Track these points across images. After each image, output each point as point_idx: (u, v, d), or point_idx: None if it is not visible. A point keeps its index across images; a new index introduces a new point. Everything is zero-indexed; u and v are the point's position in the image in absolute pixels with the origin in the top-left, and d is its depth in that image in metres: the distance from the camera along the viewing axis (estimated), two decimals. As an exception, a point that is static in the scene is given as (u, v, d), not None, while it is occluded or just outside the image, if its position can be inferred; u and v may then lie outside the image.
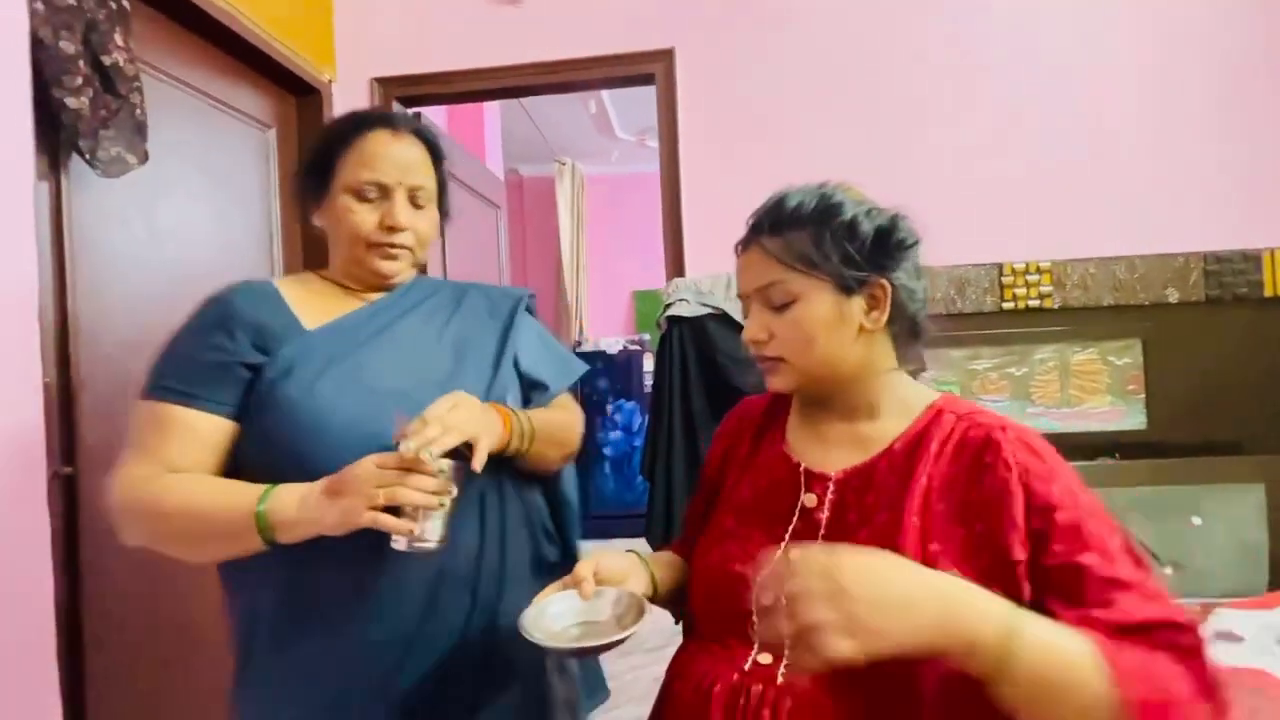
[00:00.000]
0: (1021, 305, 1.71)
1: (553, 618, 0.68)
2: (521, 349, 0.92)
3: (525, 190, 4.83)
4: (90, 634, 1.16)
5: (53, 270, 1.19)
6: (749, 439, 0.77)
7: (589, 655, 0.67)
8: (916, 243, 0.70)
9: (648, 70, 1.88)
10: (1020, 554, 0.56)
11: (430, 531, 0.68)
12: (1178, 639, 0.52)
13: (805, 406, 0.75)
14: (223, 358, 0.77)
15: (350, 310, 0.85)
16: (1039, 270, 1.70)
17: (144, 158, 1.28)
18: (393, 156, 0.84)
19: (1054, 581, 0.55)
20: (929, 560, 0.57)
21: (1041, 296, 1.70)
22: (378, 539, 0.68)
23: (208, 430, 0.76)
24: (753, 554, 0.64)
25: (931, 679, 0.55)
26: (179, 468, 0.75)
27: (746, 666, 0.63)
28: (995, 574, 0.56)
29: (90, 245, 1.27)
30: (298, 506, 0.69)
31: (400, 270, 0.87)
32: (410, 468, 0.68)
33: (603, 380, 4.21)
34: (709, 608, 0.70)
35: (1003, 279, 1.72)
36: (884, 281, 0.67)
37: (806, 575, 0.49)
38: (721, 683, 0.63)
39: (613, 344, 4.33)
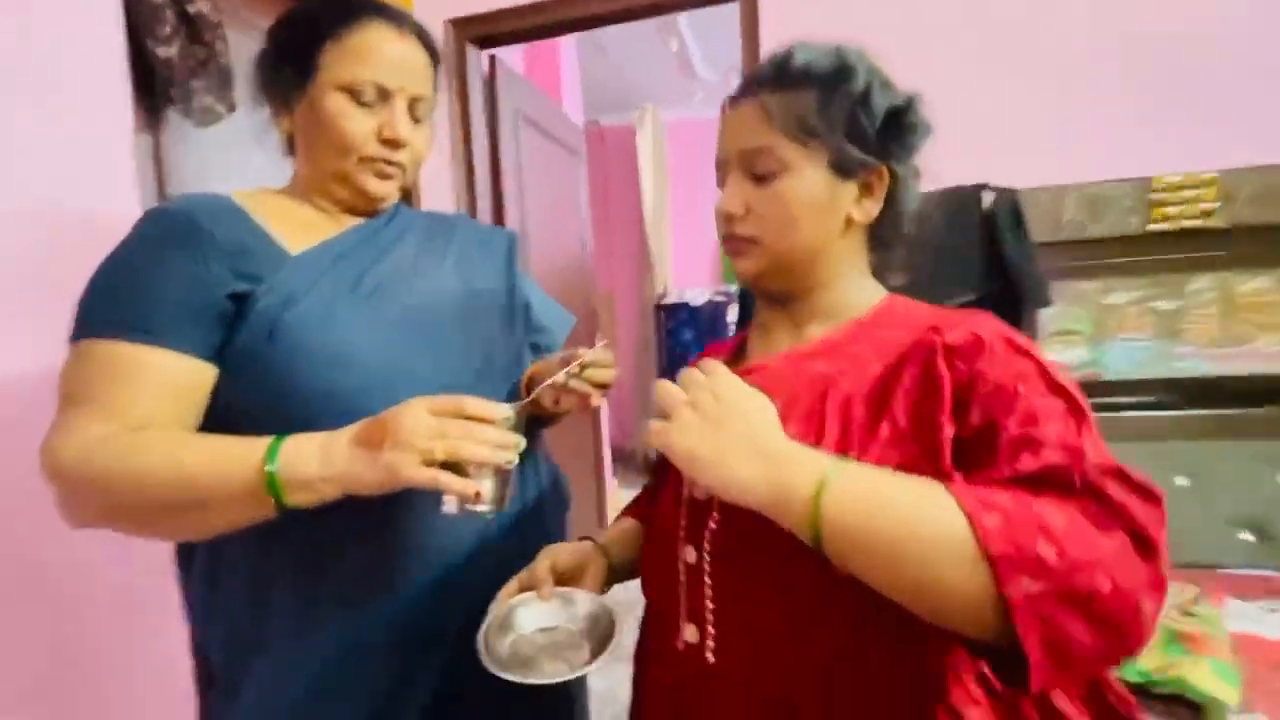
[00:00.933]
0: (1175, 226, 1.45)
1: (515, 627, 0.64)
2: (529, 292, 0.88)
3: (607, 141, 4.74)
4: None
5: (159, 218, 1.25)
6: None
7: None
8: (929, 133, 0.61)
9: (729, -15, 1.72)
10: (949, 430, 0.49)
11: (487, 491, 0.58)
12: (1089, 487, 0.43)
13: (762, 318, 0.67)
14: (195, 285, 0.63)
15: (335, 233, 0.74)
16: (1201, 183, 1.43)
17: (232, 106, 1.32)
18: (396, 56, 0.71)
19: (967, 449, 0.48)
20: (844, 426, 0.54)
21: (1203, 214, 1.43)
22: (409, 496, 0.61)
23: (180, 376, 0.62)
24: (675, 513, 0.61)
25: (847, 608, 0.50)
26: (147, 424, 0.60)
27: (680, 646, 0.59)
28: (925, 459, 0.49)
29: (195, 193, 1.34)
30: (320, 460, 0.57)
31: (390, 194, 0.76)
32: (473, 415, 0.58)
33: (687, 332, 4.13)
34: (646, 575, 0.67)
35: (1151, 195, 1.46)
36: (884, 168, 0.59)
37: (687, 381, 0.50)
38: (665, 665, 0.62)
39: (697, 295, 4.23)
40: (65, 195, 1.03)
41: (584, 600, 0.65)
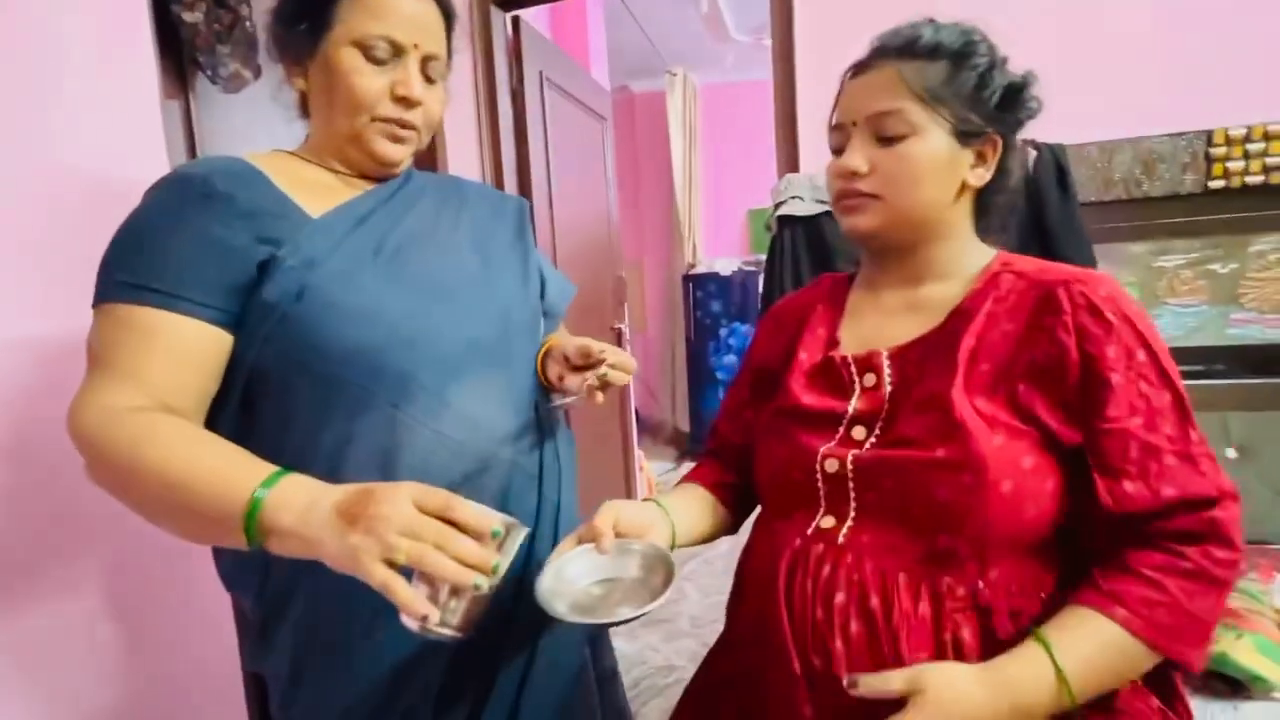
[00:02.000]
0: (1236, 183, 1.35)
1: (571, 579, 0.63)
2: (541, 261, 0.88)
3: (636, 107, 4.66)
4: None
5: (190, 185, 1.28)
6: (806, 330, 0.75)
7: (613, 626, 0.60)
8: (1041, 108, 0.68)
9: (759, -66, 1.65)
10: (1054, 412, 0.59)
11: (452, 613, 0.51)
12: (1217, 520, 0.55)
13: (870, 273, 0.74)
14: (217, 250, 0.63)
15: (350, 197, 0.73)
16: (1266, 136, 1.33)
17: (258, 72, 1.33)
18: (410, 12, 0.71)
19: (1100, 446, 0.57)
20: (981, 414, 0.59)
21: (1267, 170, 1.33)
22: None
23: (198, 342, 0.63)
24: (820, 432, 0.67)
25: (986, 526, 0.58)
26: (166, 391, 0.61)
27: (809, 530, 0.65)
28: (1032, 432, 0.59)
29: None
30: (299, 516, 0.53)
31: (403, 159, 0.76)
32: (458, 521, 0.52)
33: (715, 303, 4.08)
34: (774, 485, 0.71)
35: (1211, 150, 1.36)
36: (997, 138, 0.66)
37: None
38: (787, 549, 0.65)
39: (726, 265, 4.16)
40: (94, 162, 1.05)
41: (640, 548, 0.65)
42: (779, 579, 0.64)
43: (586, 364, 0.76)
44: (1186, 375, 1.41)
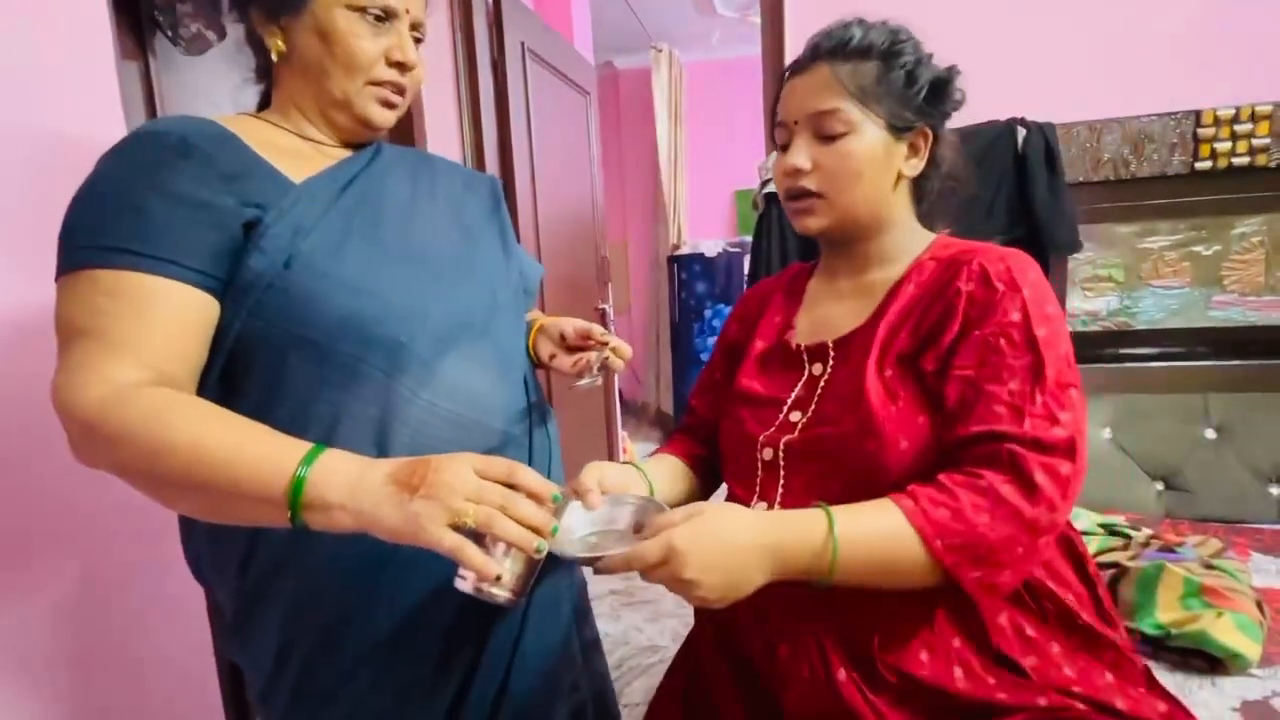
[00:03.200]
0: (1223, 164, 1.35)
1: (569, 529, 0.62)
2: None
3: (620, 84, 4.57)
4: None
5: (151, 153, 1.21)
6: (765, 316, 0.80)
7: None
8: (963, 102, 0.72)
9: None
10: (931, 365, 0.63)
11: (509, 576, 0.52)
12: (1014, 453, 0.57)
13: (827, 261, 0.78)
14: (202, 211, 0.59)
15: (324, 165, 0.70)
16: (1254, 117, 1.33)
17: (223, 34, 1.26)
18: None
19: (944, 390, 0.62)
20: (886, 383, 0.65)
21: (1253, 152, 1.33)
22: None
23: (192, 309, 0.59)
24: (763, 417, 0.72)
25: (896, 467, 0.62)
26: (165, 361, 0.57)
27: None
28: (922, 388, 0.64)
29: (184, 129, 1.29)
30: (348, 490, 0.51)
31: (391, 122, 0.74)
32: (522, 486, 0.53)
33: (700, 284, 4.06)
34: (727, 467, 0.78)
35: (1200, 130, 1.36)
36: (927, 130, 0.70)
37: (655, 571, 0.53)
38: None
39: (711, 247, 4.13)
40: (45, 126, 0.99)
41: (632, 499, 0.66)
42: None
43: (582, 345, 0.78)
44: (1166, 357, 1.44)
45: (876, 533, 0.57)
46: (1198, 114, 1.36)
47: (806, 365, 0.73)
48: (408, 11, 0.71)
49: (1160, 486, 1.38)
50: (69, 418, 0.56)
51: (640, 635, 2.03)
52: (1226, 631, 0.86)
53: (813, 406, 0.70)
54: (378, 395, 0.64)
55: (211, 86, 1.35)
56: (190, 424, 0.54)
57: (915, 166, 0.70)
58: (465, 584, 0.52)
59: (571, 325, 0.80)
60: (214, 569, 0.71)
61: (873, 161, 0.68)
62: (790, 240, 1.57)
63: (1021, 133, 1.42)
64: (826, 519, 0.57)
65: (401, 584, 0.67)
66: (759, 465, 0.71)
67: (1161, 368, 1.42)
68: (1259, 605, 0.92)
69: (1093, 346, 1.48)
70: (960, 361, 0.61)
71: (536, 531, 0.52)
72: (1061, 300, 1.45)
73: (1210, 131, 1.35)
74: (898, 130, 0.68)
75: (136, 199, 0.58)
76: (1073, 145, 1.43)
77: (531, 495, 0.53)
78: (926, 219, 0.75)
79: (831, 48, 0.69)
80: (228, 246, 0.61)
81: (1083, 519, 1.20)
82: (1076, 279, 1.49)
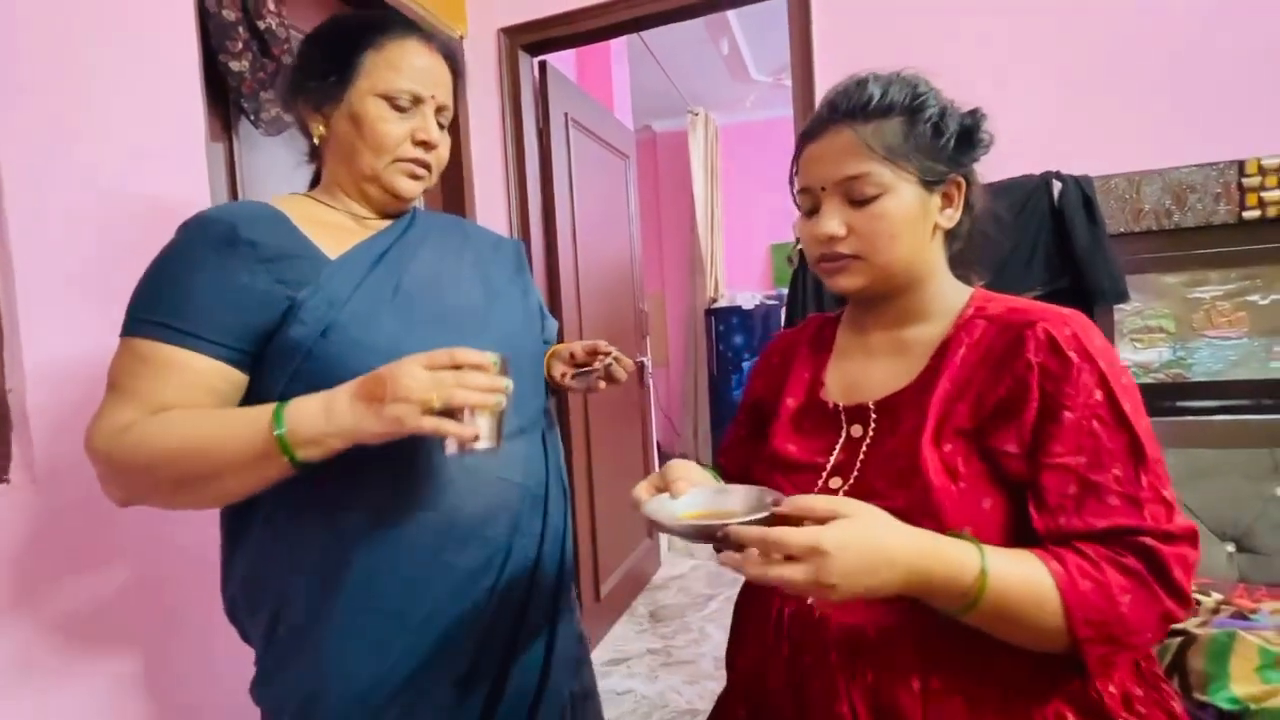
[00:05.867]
0: (1272, 213, 1.32)
1: (676, 509, 0.61)
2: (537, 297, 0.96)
3: (659, 145, 4.76)
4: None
5: (230, 222, 1.33)
6: (793, 371, 0.77)
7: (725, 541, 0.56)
8: (993, 142, 0.69)
9: (778, -21, 1.70)
10: (1012, 447, 0.59)
11: (484, 430, 0.64)
12: (1151, 548, 0.54)
13: (856, 316, 0.75)
14: (238, 293, 0.68)
15: (364, 237, 0.78)
16: (1301, 166, 1.30)
17: (297, 116, 1.39)
18: (427, 68, 0.79)
19: (1040, 481, 0.58)
20: (946, 461, 0.60)
21: (1305, 200, 1.30)
22: (471, 466, 0.70)
23: (209, 376, 0.67)
24: (800, 483, 0.68)
25: None
26: (163, 408, 0.65)
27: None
28: (990, 468, 0.60)
29: (262, 199, 1.41)
30: (324, 418, 0.62)
31: (418, 193, 0.83)
32: (464, 363, 0.63)
33: (738, 336, 4.08)
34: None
35: (1244, 180, 1.34)
36: (960, 179, 0.67)
37: (789, 565, 0.50)
38: (766, 605, 0.67)
39: (748, 299, 4.17)
40: (145, 189, 1.11)
41: (739, 488, 0.63)
42: (765, 640, 0.66)
43: (588, 361, 0.89)
44: (1231, 410, 1.37)
45: (1021, 587, 0.54)
46: (1241, 164, 1.34)
47: (845, 427, 0.69)
48: (433, 97, 0.80)
49: (1231, 548, 1.29)
50: (91, 456, 0.66)
51: (679, 698, 1.96)
52: (1310, 707, 0.79)
53: (854, 474, 0.66)
54: (406, 449, 0.70)
55: (287, 163, 1.48)
56: (176, 431, 0.64)
57: (951, 217, 0.68)
58: (452, 447, 0.63)
59: (579, 345, 0.90)
60: (247, 613, 0.77)
61: (909, 220, 0.65)
62: (826, 296, 1.59)
63: (1057, 186, 1.42)
64: (979, 557, 0.54)
65: (421, 636, 0.72)
66: None
67: (1223, 421, 1.36)
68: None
69: (1146, 399, 1.42)
70: (1057, 448, 0.57)
71: (492, 389, 0.63)
72: (1109, 352, 1.41)
73: (1256, 181, 1.33)
74: (930, 184, 0.66)
75: (180, 280, 0.68)
76: (1111, 197, 1.43)
77: (475, 366, 0.63)
78: (958, 267, 0.72)
79: (851, 108, 0.66)
80: (261, 324, 0.69)
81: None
82: (1125, 330, 1.46)
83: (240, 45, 1.27)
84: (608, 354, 0.88)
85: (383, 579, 0.71)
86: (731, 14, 3.18)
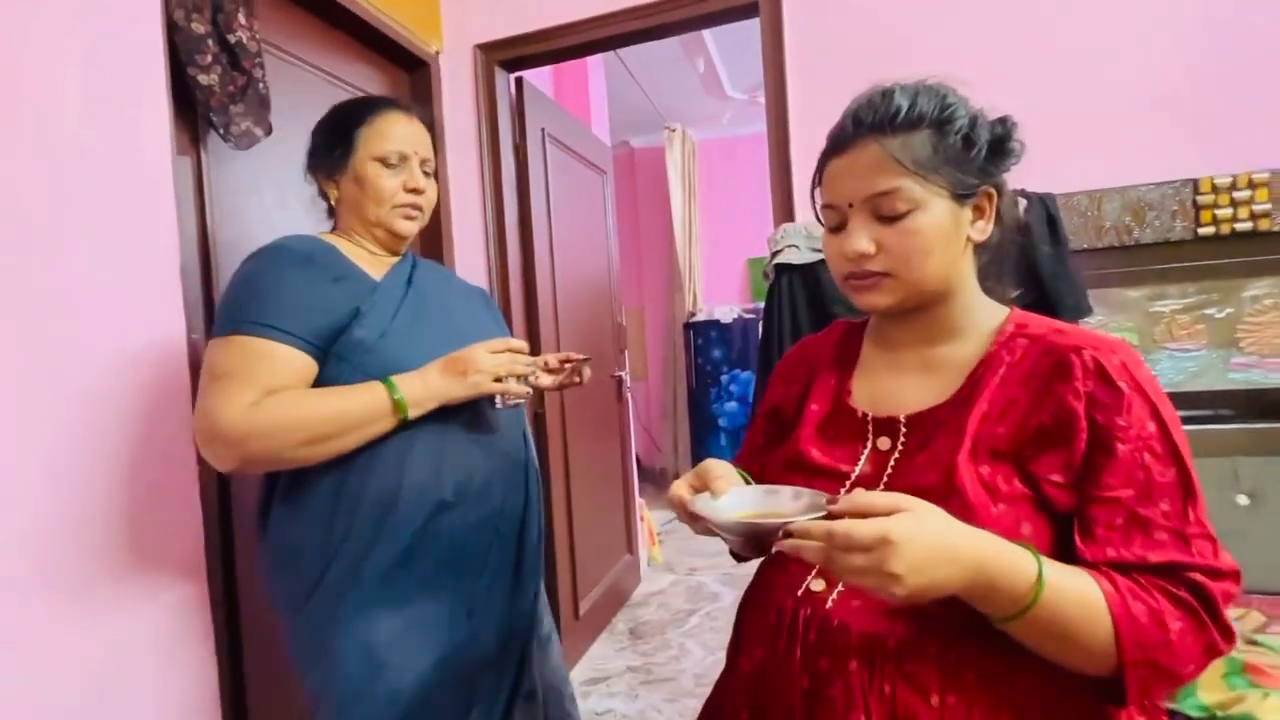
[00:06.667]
0: (1225, 230, 1.37)
1: (723, 508, 0.60)
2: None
3: (636, 161, 4.80)
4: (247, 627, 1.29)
5: (197, 236, 1.30)
6: (818, 378, 0.76)
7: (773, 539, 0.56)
8: (1024, 150, 0.67)
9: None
10: (1058, 476, 0.58)
11: (523, 391, 0.97)
12: (1200, 585, 0.54)
13: (883, 330, 0.73)
14: (316, 302, 0.90)
15: (383, 269, 1.01)
16: (1252, 184, 1.35)
17: (269, 130, 1.37)
18: (408, 132, 1.02)
19: (1088, 512, 0.57)
20: (985, 482, 0.58)
21: (1255, 217, 1.35)
22: (483, 434, 0.98)
23: (298, 364, 0.88)
24: (822, 489, 0.64)
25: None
26: (272, 390, 0.85)
27: (800, 592, 0.64)
28: (1033, 495, 0.58)
29: (229, 213, 1.39)
30: (423, 387, 0.90)
31: (413, 232, 1.04)
32: (514, 349, 0.95)
33: (717, 350, 4.10)
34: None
35: (1198, 198, 1.39)
36: (992, 190, 0.65)
37: (850, 551, 0.49)
38: (777, 608, 0.65)
39: (727, 313, 4.20)
40: (107, 213, 1.08)
41: (785, 488, 0.62)
42: (776, 642, 0.64)
43: (559, 368, 1.10)
44: (1191, 420, 1.41)
45: (1075, 600, 0.53)
46: (1195, 182, 1.39)
47: (871, 437, 0.67)
48: (416, 153, 1.02)
49: (1196, 556, 1.32)
50: (221, 432, 0.84)
51: (659, 716, 1.94)
52: (1274, 713, 0.81)
53: (881, 487, 0.64)
54: (437, 427, 0.93)
55: (255, 177, 1.46)
56: (307, 400, 0.87)
57: (984, 229, 0.65)
58: (500, 403, 0.98)
59: (552, 355, 1.12)
60: (283, 599, 0.94)
61: (941, 235, 0.62)
62: (801, 310, 1.60)
63: (1023, 203, 1.46)
64: (1036, 564, 0.53)
65: (423, 642, 0.91)
66: None
67: (1185, 431, 1.40)
68: (1308, 685, 0.87)
69: (1112, 410, 1.45)
70: (1109, 480, 0.56)
71: (530, 365, 0.98)
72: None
73: (1209, 199, 1.38)
74: (962, 197, 0.63)
75: (274, 291, 0.89)
76: (1074, 214, 1.47)
77: (519, 350, 0.97)
78: (986, 279, 0.70)
79: (878, 121, 0.63)
80: (332, 325, 0.91)
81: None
82: (1090, 342, 1.49)
83: (210, 58, 1.26)
84: (578, 359, 1.11)
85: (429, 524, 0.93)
86: (707, 33, 3.23)
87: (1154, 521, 0.55)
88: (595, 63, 3.08)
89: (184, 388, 1.17)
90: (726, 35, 2.96)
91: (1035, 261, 1.40)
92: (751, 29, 1.80)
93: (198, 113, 1.29)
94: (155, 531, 1.11)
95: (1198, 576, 0.54)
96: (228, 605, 1.24)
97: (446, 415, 0.93)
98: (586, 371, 1.12)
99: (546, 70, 2.69)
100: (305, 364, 0.89)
